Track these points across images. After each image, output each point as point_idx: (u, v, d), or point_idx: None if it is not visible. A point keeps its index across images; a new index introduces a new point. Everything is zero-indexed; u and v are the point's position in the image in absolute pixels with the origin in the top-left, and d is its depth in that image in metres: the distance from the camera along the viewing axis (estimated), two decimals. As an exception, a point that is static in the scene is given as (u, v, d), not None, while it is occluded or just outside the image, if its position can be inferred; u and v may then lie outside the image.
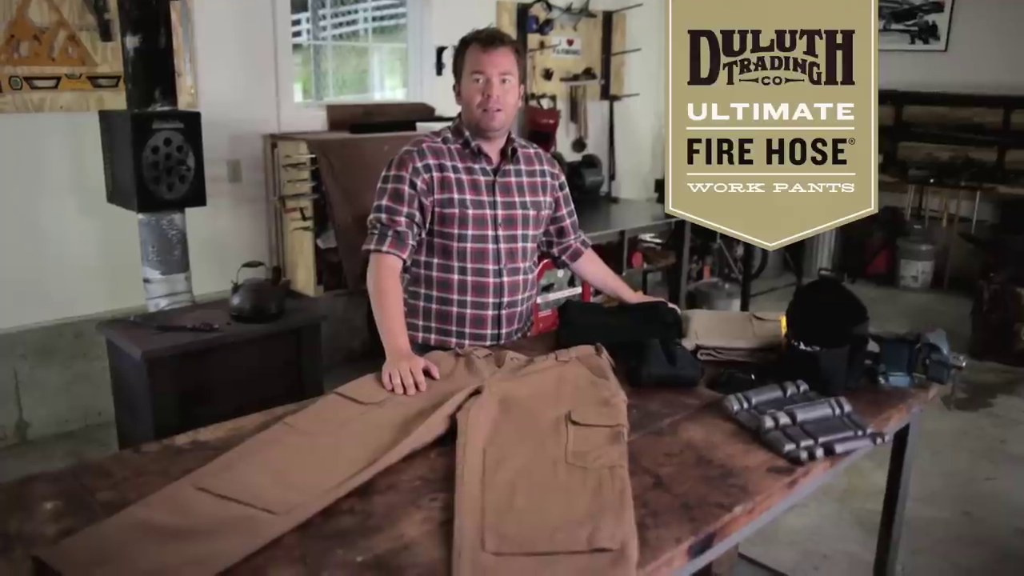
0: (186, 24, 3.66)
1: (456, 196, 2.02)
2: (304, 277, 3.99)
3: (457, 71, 2.04)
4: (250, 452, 1.41)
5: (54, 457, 3.30)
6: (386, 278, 1.95)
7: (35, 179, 3.41)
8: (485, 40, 1.98)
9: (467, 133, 2.06)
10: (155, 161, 3.02)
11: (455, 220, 2.03)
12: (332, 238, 3.90)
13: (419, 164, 2.01)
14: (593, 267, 2.36)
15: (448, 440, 1.47)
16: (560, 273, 4.12)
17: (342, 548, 1.18)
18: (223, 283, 3.07)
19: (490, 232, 2.06)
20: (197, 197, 3.18)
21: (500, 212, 2.07)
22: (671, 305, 2.16)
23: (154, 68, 3.01)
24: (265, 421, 1.56)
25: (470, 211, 2.03)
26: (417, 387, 1.68)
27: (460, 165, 2.05)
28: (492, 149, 2.09)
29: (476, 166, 2.07)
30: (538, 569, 1.11)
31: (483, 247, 2.06)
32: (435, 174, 2.02)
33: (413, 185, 2.00)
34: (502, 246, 2.07)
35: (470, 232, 2.04)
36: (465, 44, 2.02)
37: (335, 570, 1.13)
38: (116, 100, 3.43)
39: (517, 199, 2.10)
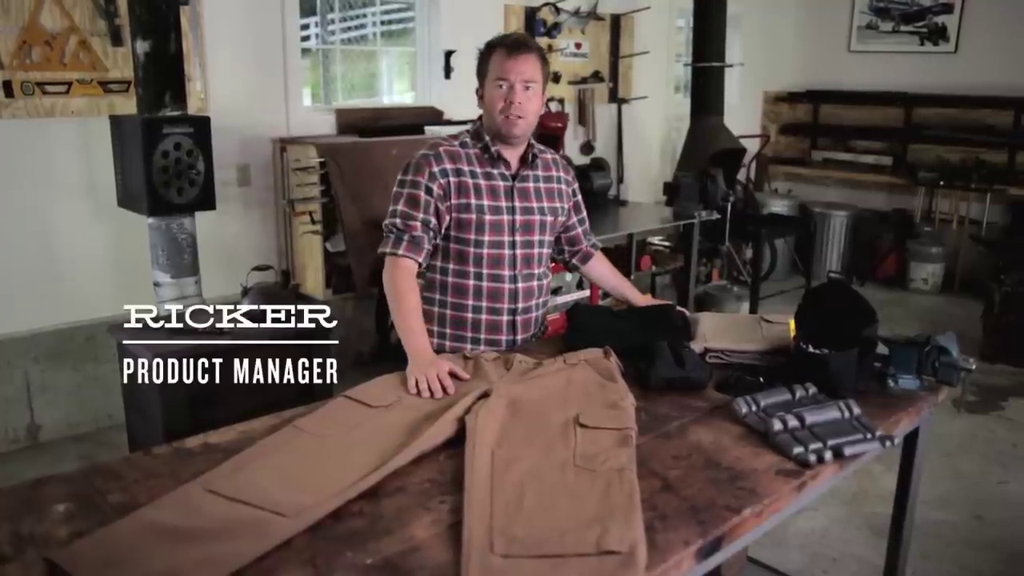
0: (196, 29, 3.68)
1: (474, 202, 2.01)
2: (313, 280, 4.00)
3: (481, 75, 2.03)
4: (260, 455, 1.41)
5: (65, 460, 3.32)
6: (403, 280, 1.95)
7: (46, 183, 3.44)
8: (511, 46, 1.97)
9: (487, 138, 2.04)
10: (165, 165, 3.03)
11: (472, 226, 2.02)
12: (341, 241, 3.91)
13: (435, 169, 2.00)
14: (602, 270, 2.36)
15: (457, 443, 1.48)
16: (568, 276, 4.12)
17: (351, 550, 1.18)
18: (233, 286, 3.08)
19: (507, 238, 2.05)
20: (207, 201, 3.19)
21: (518, 218, 2.06)
22: (679, 308, 2.17)
23: (164, 73, 3.03)
24: (275, 424, 1.57)
25: (487, 216, 2.02)
26: (445, 391, 1.68)
27: (479, 170, 2.04)
28: (512, 155, 2.07)
29: (495, 171, 2.05)
30: (547, 571, 1.12)
31: (499, 252, 2.05)
32: (452, 179, 2.01)
33: (429, 191, 1.99)
34: (519, 252, 2.07)
35: (487, 238, 2.03)
36: (491, 48, 2.00)
37: (345, 572, 1.13)
38: (127, 105, 3.44)
39: (535, 205, 2.09)
